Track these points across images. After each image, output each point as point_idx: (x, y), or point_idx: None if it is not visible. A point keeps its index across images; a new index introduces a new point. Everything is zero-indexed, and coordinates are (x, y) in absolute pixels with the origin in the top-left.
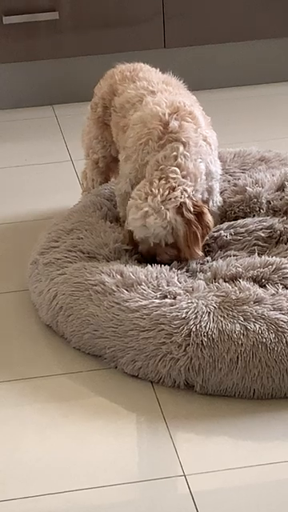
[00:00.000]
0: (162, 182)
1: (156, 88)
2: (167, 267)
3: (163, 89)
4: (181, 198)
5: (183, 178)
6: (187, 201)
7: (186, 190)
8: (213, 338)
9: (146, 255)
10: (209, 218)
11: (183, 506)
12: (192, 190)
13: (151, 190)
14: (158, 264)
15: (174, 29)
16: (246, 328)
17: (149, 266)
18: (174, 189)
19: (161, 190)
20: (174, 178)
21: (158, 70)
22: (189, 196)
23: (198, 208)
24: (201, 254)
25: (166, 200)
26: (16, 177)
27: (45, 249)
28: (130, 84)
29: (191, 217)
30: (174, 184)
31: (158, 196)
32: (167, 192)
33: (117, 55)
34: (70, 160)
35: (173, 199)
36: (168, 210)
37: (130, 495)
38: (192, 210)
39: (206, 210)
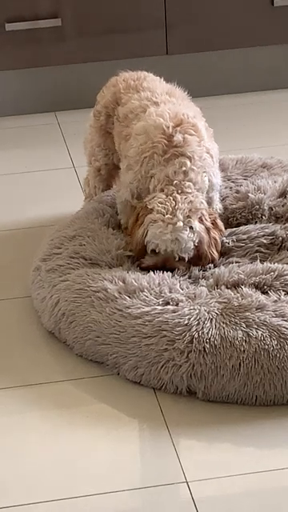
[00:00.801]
0: (183, 196)
1: (159, 99)
2: (169, 274)
3: (166, 100)
4: (200, 208)
5: (197, 191)
6: (204, 211)
7: (202, 202)
8: (215, 345)
9: (159, 267)
10: (221, 223)
11: (186, 511)
12: (203, 200)
13: (178, 205)
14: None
15: (176, 36)
16: (248, 335)
17: (151, 272)
18: (192, 202)
19: (185, 204)
20: (190, 193)
21: (162, 78)
22: (204, 207)
23: (212, 216)
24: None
25: (190, 212)
26: (18, 183)
27: (47, 255)
28: (134, 94)
29: (209, 225)
30: (191, 198)
31: (186, 210)
32: (189, 205)
33: (119, 62)
34: (72, 167)
35: (194, 210)
36: (194, 221)
37: (132, 502)
38: (209, 219)
39: (217, 216)
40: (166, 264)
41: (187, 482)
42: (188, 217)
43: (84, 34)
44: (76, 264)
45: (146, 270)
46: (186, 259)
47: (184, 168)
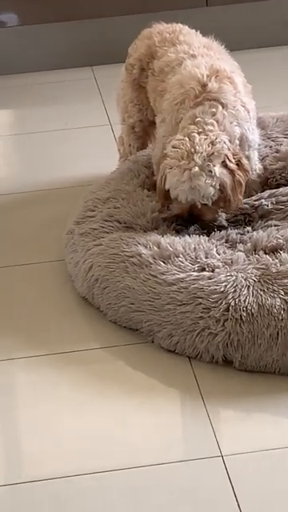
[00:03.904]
0: (202, 136)
1: (197, 52)
2: (206, 238)
3: (204, 53)
4: (223, 150)
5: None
6: (228, 152)
7: (225, 142)
8: (252, 313)
9: (186, 215)
10: (246, 163)
11: (220, 488)
12: (228, 141)
13: (194, 148)
14: (197, 224)
15: None
16: (287, 302)
17: (187, 236)
18: (214, 142)
19: (204, 146)
20: (211, 131)
21: (199, 32)
22: (228, 147)
23: (237, 156)
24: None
25: (211, 155)
26: (55, 141)
27: (81, 218)
28: (171, 47)
29: (234, 167)
30: (212, 137)
31: (204, 153)
32: (210, 147)
33: (158, 14)
34: (108, 124)
35: (216, 153)
36: (215, 166)
37: (166, 476)
38: (233, 160)
39: (242, 155)
40: (192, 211)
41: (222, 456)
42: (207, 160)
43: None
44: (110, 227)
45: (175, 219)
46: (210, 203)
47: (213, 109)
